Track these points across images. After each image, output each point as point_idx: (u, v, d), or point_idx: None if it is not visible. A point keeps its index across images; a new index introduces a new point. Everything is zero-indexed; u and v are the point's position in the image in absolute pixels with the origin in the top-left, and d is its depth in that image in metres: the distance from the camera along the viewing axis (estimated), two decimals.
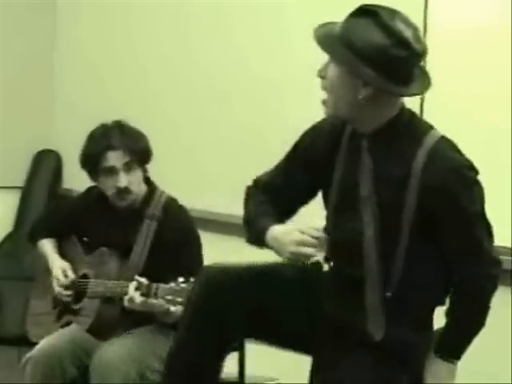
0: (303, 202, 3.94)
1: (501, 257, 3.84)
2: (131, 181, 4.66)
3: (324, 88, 3.55)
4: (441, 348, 3.58)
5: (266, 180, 3.91)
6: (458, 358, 3.61)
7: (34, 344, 4.71)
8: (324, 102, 3.57)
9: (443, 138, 3.52)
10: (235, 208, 4.32)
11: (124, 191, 4.64)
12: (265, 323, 3.69)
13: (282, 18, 6.32)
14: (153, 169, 5.18)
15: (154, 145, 5.04)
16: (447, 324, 3.59)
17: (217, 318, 3.62)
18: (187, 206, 5.05)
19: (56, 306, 4.83)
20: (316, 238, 3.60)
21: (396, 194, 3.48)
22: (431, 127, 3.58)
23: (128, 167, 4.62)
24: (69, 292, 4.74)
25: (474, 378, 4.71)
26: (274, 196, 3.87)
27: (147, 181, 4.82)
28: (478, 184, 3.52)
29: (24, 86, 8.70)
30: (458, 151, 3.54)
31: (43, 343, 4.61)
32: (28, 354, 4.59)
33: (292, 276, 3.80)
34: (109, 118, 5.00)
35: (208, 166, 5.78)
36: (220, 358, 3.73)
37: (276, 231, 3.62)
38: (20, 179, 8.56)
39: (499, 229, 4.03)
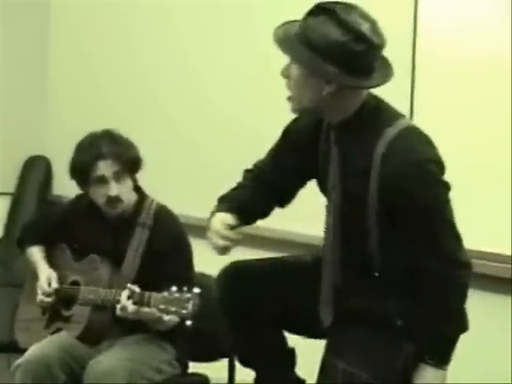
0: (293, 188, 3.99)
1: (501, 265, 4.00)
2: (122, 190, 4.69)
3: (289, 87, 3.61)
4: (421, 352, 3.63)
5: (257, 165, 3.98)
6: (442, 362, 3.61)
7: (24, 350, 4.68)
8: (289, 98, 3.62)
9: (409, 127, 3.57)
10: None
11: (115, 200, 4.67)
12: (284, 309, 3.76)
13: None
14: (148, 176, 5.13)
15: (149, 152, 5.05)
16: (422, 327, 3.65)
17: (246, 302, 3.74)
18: (183, 213, 5.08)
19: (45, 313, 4.82)
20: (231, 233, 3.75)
21: (360, 183, 3.52)
22: (399, 117, 3.61)
23: (118, 176, 4.64)
24: (50, 300, 4.74)
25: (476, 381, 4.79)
26: (263, 182, 3.96)
27: (137, 189, 4.85)
28: (439, 179, 3.55)
29: (15, 91, 8.63)
30: (425, 143, 3.58)
31: (32, 350, 4.59)
32: (17, 361, 4.56)
33: (308, 264, 3.89)
34: (99, 124, 5.01)
35: (204, 173, 5.76)
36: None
37: (214, 217, 3.74)
38: (10, 185, 8.52)
39: (499, 236, 4.41)
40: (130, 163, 4.70)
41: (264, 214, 4.05)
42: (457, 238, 3.59)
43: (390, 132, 3.50)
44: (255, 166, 4.06)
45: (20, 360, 4.57)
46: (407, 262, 3.62)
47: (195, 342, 4.71)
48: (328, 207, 3.81)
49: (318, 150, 3.79)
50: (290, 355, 4.02)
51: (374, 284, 3.70)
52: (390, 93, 3.86)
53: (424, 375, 3.61)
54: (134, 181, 4.78)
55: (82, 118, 7.49)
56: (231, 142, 5.49)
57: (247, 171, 4.06)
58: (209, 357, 5.01)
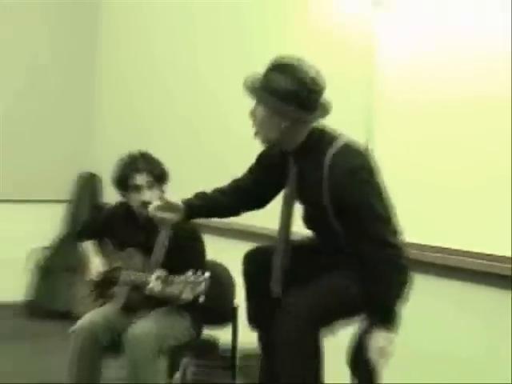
0: (265, 196, 4.09)
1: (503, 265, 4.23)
2: (152, 196, 4.77)
3: (255, 125, 3.75)
4: (370, 316, 3.68)
5: (236, 179, 4.10)
6: (387, 325, 3.62)
7: (78, 319, 4.78)
8: (256, 134, 3.76)
9: (345, 144, 3.69)
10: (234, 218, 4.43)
11: (146, 204, 4.69)
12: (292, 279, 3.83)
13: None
14: (176, 184, 5.18)
15: (175, 162, 5.14)
16: (367, 298, 3.68)
17: (262, 282, 3.83)
18: None
19: (94, 291, 4.89)
20: (170, 207, 3.94)
21: (316, 190, 3.64)
22: (337, 137, 3.73)
23: (149, 186, 4.78)
24: (98, 280, 4.86)
25: (475, 380, 4.51)
26: (239, 190, 4.09)
27: (163, 196, 4.91)
28: (367, 181, 3.65)
29: (69, 119, 8.71)
30: (356, 154, 3.71)
31: (83, 319, 4.72)
32: (72, 328, 4.68)
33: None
34: (137, 144, 5.20)
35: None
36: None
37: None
38: (67, 194, 8.58)
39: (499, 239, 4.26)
40: (158, 176, 4.82)
41: (235, 212, 4.19)
42: (386, 224, 3.66)
43: (332, 150, 3.64)
44: (234, 180, 4.15)
45: (74, 327, 4.68)
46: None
47: (207, 313, 4.77)
48: (288, 206, 3.95)
49: (284, 170, 3.88)
50: None
51: (337, 259, 3.76)
52: (352, 128, 4.01)
53: (375, 337, 3.65)
54: (162, 190, 4.86)
55: (123, 139, 7.40)
56: (243, 153, 5.44)
57: (231, 182, 4.18)
58: (217, 323, 5.07)
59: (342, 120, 4.04)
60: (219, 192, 4.14)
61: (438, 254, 4.85)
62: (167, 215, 4.04)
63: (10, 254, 8.22)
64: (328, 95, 3.80)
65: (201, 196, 4.11)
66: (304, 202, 3.93)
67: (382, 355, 3.70)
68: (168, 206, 4.02)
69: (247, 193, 4.12)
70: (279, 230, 3.93)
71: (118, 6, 8.89)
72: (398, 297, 3.66)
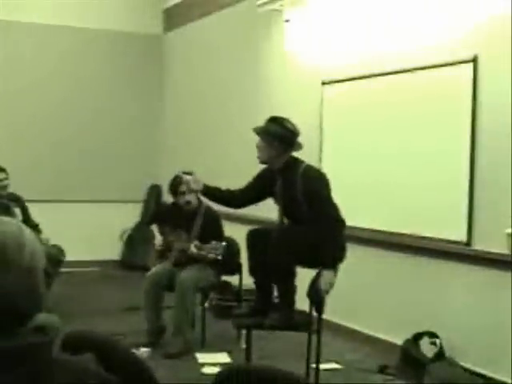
0: (256, 198, 4.24)
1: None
2: (191, 198, 5.09)
3: (258, 152, 4.04)
4: (322, 263, 3.84)
5: (241, 187, 4.24)
6: (332, 266, 3.83)
7: (149, 270, 5.13)
8: (258, 157, 4.07)
9: (308, 165, 3.98)
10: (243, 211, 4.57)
11: (188, 203, 5.10)
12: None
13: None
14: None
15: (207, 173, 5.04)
16: (324, 252, 3.81)
17: (258, 249, 4.00)
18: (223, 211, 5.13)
19: (159, 254, 5.19)
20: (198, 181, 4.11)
21: (293, 191, 3.91)
22: (302, 161, 3.99)
23: (189, 191, 4.96)
24: (160, 248, 5.14)
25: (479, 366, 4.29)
26: (241, 192, 4.23)
27: (199, 198, 5.13)
28: (322, 179, 3.94)
29: (145, 148, 8.74)
30: (314, 168, 4.03)
31: (152, 270, 5.09)
32: (146, 274, 5.09)
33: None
34: (187, 167, 5.09)
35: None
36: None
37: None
38: (143, 196, 8.78)
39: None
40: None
41: (238, 205, 4.30)
42: (333, 206, 3.89)
43: (302, 166, 3.95)
44: (240, 188, 4.25)
45: (147, 274, 5.09)
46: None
47: (224, 266, 5.06)
48: (279, 208, 4.12)
49: (272, 182, 4.07)
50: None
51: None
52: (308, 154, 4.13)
53: (325, 275, 3.84)
54: (197, 195, 5.03)
55: (178, 162, 7.07)
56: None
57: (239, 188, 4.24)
58: (230, 273, 5.30)
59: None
60: (230, 190, 4.27)
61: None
62: (195, 186, 4.19)
63: (111, 231, 8.53)
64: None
65: (217, 187, 4.25)
66: (285, 199, 4.03)
67: (327, 286, 3.87)
68: (197, 181, 4.18)
69: (247, 194, 4.23)
70: (278, 217, 4.12)
71: (179, 55, 8.52)
72: (339, 249, 3.87)
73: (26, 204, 6.19)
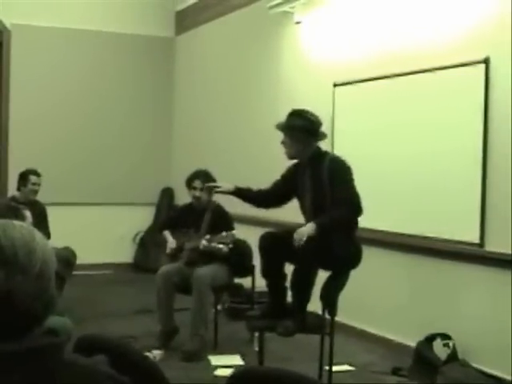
0: (281, 200, 4.27)
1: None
2: (202, 194, 5.19)
3: (285, 148, 4.07)
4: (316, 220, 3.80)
5: (267, 187, 4.32)
6: (320, 228, 3.75)
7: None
8: (286, 153, 4.09)
9: (334, 155, 4.08)
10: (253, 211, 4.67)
11: (197, 198, 5.22)
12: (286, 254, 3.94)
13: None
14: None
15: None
16: (330, 218, 3.82)
17: (271, 252, 4.00)
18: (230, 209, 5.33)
19: (171, 254, 5.22)
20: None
21: (321, 181, 3.92)
22: (328, 152, 4.09)
23: (201, 188, 5.13)
24: (173, 248, 5.18)
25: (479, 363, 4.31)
26: (266, 193, 4.29)
27: (210, 197, 5.22)
28: (348, 167, 3.96)
29: (158, 154, 8.81)
30: (340, 159, 4.00)
31: (163, 268, 5.13)
32: (157, 272, 5.11)
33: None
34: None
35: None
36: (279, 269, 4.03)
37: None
38: (156, 199, 8.82)
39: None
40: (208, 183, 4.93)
41: (264, 205, 4.35)
42: (356, 194, 3.88)
43: (329, 156, 4.01)
44: (266, 187, 4.31)
45: (158, 272, 5.11)
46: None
47: (237, 267, 5.16)
48: (304, 203, 4.09)
49: (296, 182, 4.09)
50: (285, 276, 4.11)
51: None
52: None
53: (306, 226, 3.79)
54: (210, 193, 5.10)
55: (189, 167, 6.76)
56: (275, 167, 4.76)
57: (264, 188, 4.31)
58: (243, 275, 5.33)
59: None
60: (261, 190, 4.33)
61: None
62: (226, 187, 4.30)
63: (125, 233, 8.61)
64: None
65: (248, 188, 4.33)
66: (313, 191, 4.01)
67: (338, 289, 3.94)
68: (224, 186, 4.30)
69: (276, 193, 4.27)
70: (305, 215, 4.09)
71: (191, 57, 8.51)
72: (335, 223, 3.85)
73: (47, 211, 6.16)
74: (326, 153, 4.07)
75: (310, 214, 4.02)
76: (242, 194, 4.31)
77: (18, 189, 6.02)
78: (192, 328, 4.92)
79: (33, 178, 5.98)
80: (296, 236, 3.76)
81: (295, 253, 3.82)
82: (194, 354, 4.84)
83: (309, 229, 3.79)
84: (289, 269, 4.04)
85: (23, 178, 5.99)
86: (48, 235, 5.78)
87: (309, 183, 4.03)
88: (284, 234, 4.00)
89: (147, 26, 8.65)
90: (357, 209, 3.89)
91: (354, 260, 3.94)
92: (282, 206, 4.32)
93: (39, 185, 6.04)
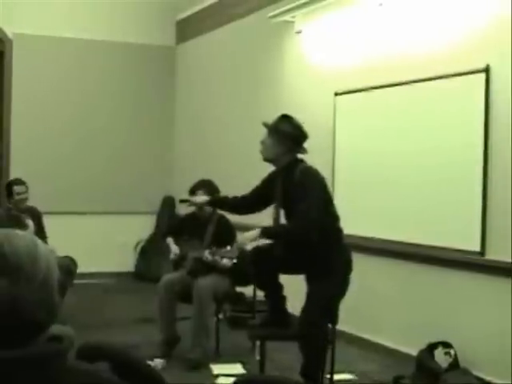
0: (262, 204, 4.20)
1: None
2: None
3: (263, 148, 4.01)
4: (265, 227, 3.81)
5: (247, 193, 4.26)
6: (265, 234, 3.76)
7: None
8: (261, 152, 4.04)
9: (308, 165, 3.92)
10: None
11: (200, 208, 5.14)
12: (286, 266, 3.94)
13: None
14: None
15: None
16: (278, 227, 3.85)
17: (262, 266, 3.97)
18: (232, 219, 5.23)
19: (174, 263, 5.25)
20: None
21: (293, 188, 3.84)
22: (304, 161, 3.94)
23: (196, 205, 4.99)
24: (176, 257, 5.19)
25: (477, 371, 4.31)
26: (245, 199, 4.26)
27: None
28: (317, 176, 3.89)
29: (160, 163, 8.81)
30: (311, 167, 3.91)
31: (165, 277, 5.16)
32: (160, 281, 5.11)
33: None
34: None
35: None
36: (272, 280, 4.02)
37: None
38: (157, 208, 8.80)
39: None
40: (212, 194, 4.94)
41: (244, 211, 4.31)
42: (313, 208, 3.74)
43: (300, 167, 3.87)
44: (246, 194, 4.27)
45: (160, 282, 5.12)
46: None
47: (239, 278, 5.11)
48: (276, 206, 4.04)
49: (274, 187, 4.02)
50: (280, 286, 4.11)
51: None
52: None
53: (253, 231, 3.76)
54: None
55: (191, 177, 6.70)
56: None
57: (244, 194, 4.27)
58: (244, 284, 5.25)
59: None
60: (236, 197, 4.29)
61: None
62: (199, 199, 4.36)
63: (126, 242, 8.58)
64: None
65: (224, 196, 4.40)
66: (285, 200, 3.98)
67: (247, 239, 3.84)
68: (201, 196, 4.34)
69: (254, 199, 4.22)
70: (273, 221, 4.03)
71: (192, 66, 8.49)
72: (283, 234, 3.85)
73: (43, 216, 6.18)
74: (298, 163, 3.97)
75: (277, 220, 4.02)
76: (218, 203, 4.34)
77: (9, 201, 6.01)
78: (193, 338, 4.93)
79: (17, 189, 5.95)
80: (239, 239, 3.85)
81: (284, 263, 3.87)
82: (196, 363, 4.85)
83: (252, 234, 3.80)
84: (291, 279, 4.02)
85: (8, 190, 5.99)
86: (45, 240, 5.77)
87: (279, 193, 3.99)
88: (271, 246, 3.99)
89: (148, 35, 8.68)
90: (308, 224, 3.75)
91: (342, 268, 3.89)
92: (263, 211, 4.28)
93: (25, 192, 6.00)
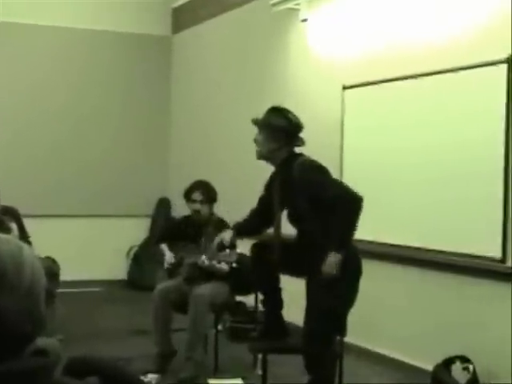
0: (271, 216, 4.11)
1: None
2: (201, 208, 5.21)
3: (257, 146, 4.00)
4: (332, 246, 3.72)
5: (252, 209, 4.27)
6: (342, 248, 3.72)
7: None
8: (256, 152, 4.02)
9: (304, 158, 3.90)
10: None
11: (197, 212, 5.22)
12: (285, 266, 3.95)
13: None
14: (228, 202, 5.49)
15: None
16: (332, 232, 3.73)
17: (263, 262, 4.01)
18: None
19: (169, 270, 5.25)
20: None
21: (293, 185, 3.83)
22: (302, 155, 3.93)
23: (201, 201, 5.18)
24: (171, 264, 5.19)
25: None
26: (255, 215, 4.26)
27: (211, 210, 5.27)
28: (318, 166, 3.86)
29: (154, 164, 8.84)
30: (310, 159, 3.90)
31: (160, 285, 5.17)
32: (154, 290, 5.13)
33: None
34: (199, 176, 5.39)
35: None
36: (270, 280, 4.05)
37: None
38: (151, 211, 8.86)
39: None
40: (209, 196, 5.19)
41: (258, 231, 4.32)
42: (341, 186, 3.86)
43: (298, 161, 3.84)
44: (251, 210, 4.28)
45: (154, 290, 5.12)
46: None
47: (239, 286, 5.14)
48: (276, 211, 4.03)
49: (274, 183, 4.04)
50: (279, 289, 4.13)
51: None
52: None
53: (331, 256, 3.70)
54: (211, 206, 5.23)
55: (187, 178, 6.75)
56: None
57: (251, 211, 4.29)
58: (245, 293, 5.36)
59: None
60: (249, 219, 4.25)
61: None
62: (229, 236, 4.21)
63: (118, 248, 8.60)
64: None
65: (242, 223, 4.31)
66: (284, 199, 3.99)
67: (333, 269, 3.75)
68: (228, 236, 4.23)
69: (263, 212, 4.20)
70: (274, 230, 4.05)
71: (189, 57, 8.53)
72: (349, 227, 3.76)
73: (23, 218, 6.14)
74: (297, 158, 3.96)
75: (278, 222, 4.03)
76: (244, 233, 4.31)
77: None
78: (186, 351, 4.94)
79: None
80: (326, 269, 3.72)
81: (286, 263, 3.91)
82: (189, 381, 4.85)
83: (336, 258, 3.74)
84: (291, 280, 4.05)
85: None
86: (28, 240, 5.73)
87: (278, 194, 4.00)
88: (275, 242, 4.02)
89: (142, 24, 8.70)
90: (354, 197, 3.78)
91: (351, 272, 3.86)
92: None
93: None
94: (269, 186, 4.14)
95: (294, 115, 3.96)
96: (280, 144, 3.91)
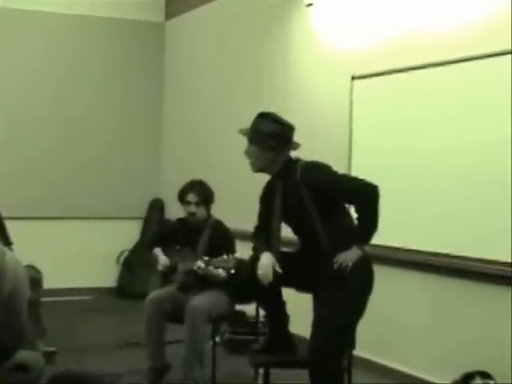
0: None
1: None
2: (197, 210, 5.24)
3: (250, 159, 4.00)
4: (356, 240, 3.76)
5: (256, 226, 4.19)
6: (366, 240, 3.78)
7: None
8: (250, 165, 4.02)
9: (306, 161, 3.91)
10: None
11: (192, 214, 5.25)
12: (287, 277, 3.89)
13: None
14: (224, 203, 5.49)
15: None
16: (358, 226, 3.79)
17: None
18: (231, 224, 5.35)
19: (162, 277, 5.26)
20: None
21: (295, 194, 3.82)
22: (300, 159, 3.92)
23: (196, 203, 5.21)
24: (164, 269, 5.18)
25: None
26: (261, 231, 4.16)
27: (208, 212, 5.31)
28: (324, 165, 3.88)
29: (146, 163, 8.91)
30: (313, 161, 3.90)
31: (153, 294, 5.17)
32: (146, 299, 5.13)
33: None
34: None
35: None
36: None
37: (263, 257, 3.88)
38: (143, 213, 8.91)
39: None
40: (205, 197, 5.23)
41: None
42: (354, 179, 3.88)
43: (300, 164, 3.86)
44: (256, 226, 4.19)
45: (146, 298, 5.13)
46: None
47: (238, 294, 5.07)
48: (273, 225, 4.00)
49: (273, 194, 4.00)
50: (283, 302, 4.12)
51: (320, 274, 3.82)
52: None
53: (353, 250, 3.73)
54: (207, 208, 5.27)
55: (181, 177, 6.83)
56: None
57: (255, 231, 4.19)
58: (245, 302, 5.29)
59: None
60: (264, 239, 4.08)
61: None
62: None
63: (107, 253, 8.65)
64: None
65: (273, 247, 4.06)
66: (289, 210, 3.96)
67: (348, 261, 3.74)
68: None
69: (268, 228, 4.08)
70: (272, 241, 3.99)
71: (183, 45, 8.63)
72: (373, 219, 3.79)
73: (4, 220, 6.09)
74: (295, 162, 3.97)
75: (277, 235, 4.00)
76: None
77: None
78: (184, 368, 4.96)
79: None
80: (340, 259, 3.74)
81: (293, 277, 3.89)
82: None
83: (356, 254, 3.78)
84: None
85: None
86: (11, 248, 5.74)
87: (280, 202, 3.98)
88: (282, 254, 3.99)
89: (135, 10, 8.75)
90: (370, 186, 3.82)
91: (361, 282, 3.88)
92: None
93: None
94: (266, 199, 4.12)
95: (283, 119, 3.97)
96: (276, 151, 3.92)
